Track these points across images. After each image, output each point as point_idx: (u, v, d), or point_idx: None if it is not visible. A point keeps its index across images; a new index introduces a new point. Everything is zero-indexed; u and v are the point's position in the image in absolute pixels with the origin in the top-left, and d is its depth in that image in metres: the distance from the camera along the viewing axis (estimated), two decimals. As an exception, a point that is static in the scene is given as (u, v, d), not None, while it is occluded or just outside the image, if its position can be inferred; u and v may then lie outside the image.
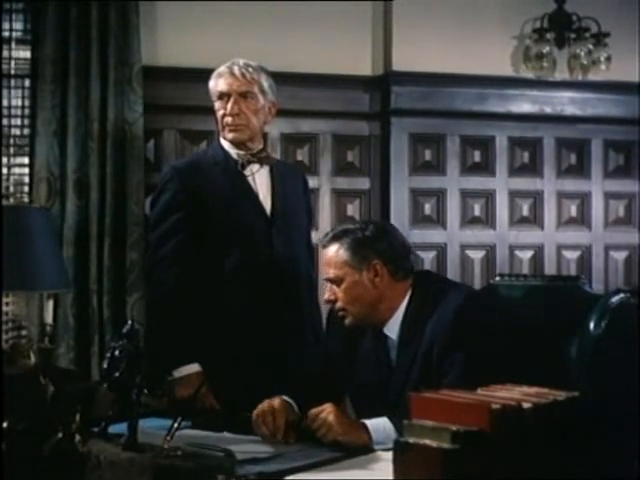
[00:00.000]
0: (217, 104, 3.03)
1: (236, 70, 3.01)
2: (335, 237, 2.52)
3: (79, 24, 3.81)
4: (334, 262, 2.49)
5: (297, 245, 3.09)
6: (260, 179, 3.05)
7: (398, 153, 4.34)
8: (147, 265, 3.21)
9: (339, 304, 2.51)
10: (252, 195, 3.01)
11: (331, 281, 2.51)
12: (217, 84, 3.02)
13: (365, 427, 2.30)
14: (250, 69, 3.02)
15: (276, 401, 2.42)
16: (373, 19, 4.34)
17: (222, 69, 3.04)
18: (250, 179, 3.03)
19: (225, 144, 3.07)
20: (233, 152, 3.04)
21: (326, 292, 2.55)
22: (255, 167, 3.04)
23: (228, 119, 3.00)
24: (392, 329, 2.51)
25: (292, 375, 2.75)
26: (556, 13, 4.41)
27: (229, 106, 2.99)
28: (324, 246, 2.55)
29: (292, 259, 3.04)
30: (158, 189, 3.07)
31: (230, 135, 3.02)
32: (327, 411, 2.30)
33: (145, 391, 2.15)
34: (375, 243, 2.51)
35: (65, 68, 3.82)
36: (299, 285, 3.07)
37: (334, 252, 2.49)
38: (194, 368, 2.85)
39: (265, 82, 3.04)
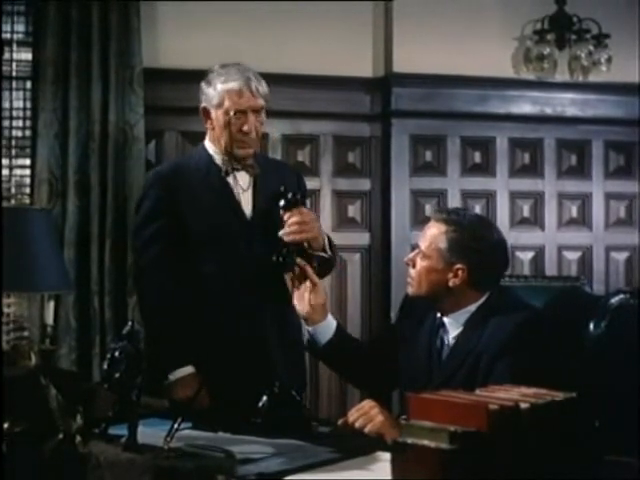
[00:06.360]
0: (225, 116, 2.94)
1: (253, 87, 2.93)
2: (445, 218, 2.58)
3: (80, 26, 3.82)
4: (430, 240, 2.56)
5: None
6: (243, 185, 3.01)
7: (399, 154, 4.34)
8: (133, 272, 3.22)
9: (412, 272, 2.59)
10: (233, 201, 2.98)
11: (420, 250, 2.58)
12: (234, 101, 2.92)
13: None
14: (262, 83, 2.96)
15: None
16: (374, 20, 4.35)
17: (236, 85, 2.92)
18: (233, 185, 3.00)
19: (211, 149, 3.03)
20: (218, 158, 3.02)
21: (412, 254, 2.62)
22: (238, 174, 3.02)
23: (242, 136, 2.93)
24: (455, 322, 2.56)
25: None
26: (557, 14, 4.41)
27: (246, 126, 2.92)
28: (434, 219, 2.61)
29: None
30: (141, 194, 3.07)
31: (241, 152, 2.96)
32: (369, 405, 2.37)
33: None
34: (470, 249, 2.54)
35: (66, 70, 3.82)
36: (283, 286, 3.03)
37: (437, 232, 2.55)
38: (188, 370, 2.86)
39: (268, 92, 3.02)
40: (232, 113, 2.93)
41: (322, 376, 4.16)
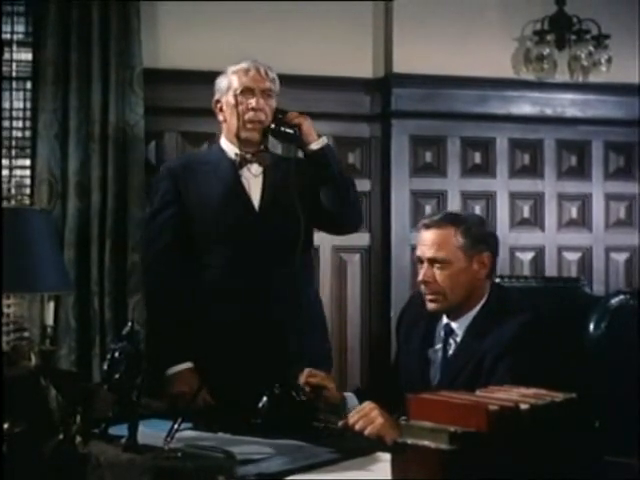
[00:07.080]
0: (234, 99, 2.99)
1: (261, 68, 3.02)
2: (449, 220, 2.53)
3: (80, 26, 3.82)
4: (446, 245, 2.49)
5: (290, 240, 2.99)
6: (255, 176, 3.02)
7: (399, 155, 4.34)
8: (142, 265, 3.24)
9: (436, 287, 2.51)
10: (243, 193, 3.00)
11: (434, 262, 2.51)
12: (242, 79, 3.00)
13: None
14: (272, 71, 3.05)
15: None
16: (374, 20, 4.35)
17: (245, 65, 3.02)
18: (243, 178, 3.02)
19: (224, 144, 3.06)
20: (231, 152, 3.04)
21: (421, 273, 2.54)
22: (250, 166, 3.03)
23: (251, 114, 2.97)
24: (461, 324, 2.54)
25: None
26: (557, 15, 4.41)
27: (254, 101, 2.97)
28: (429, 226, 2.54)
29: (283, 255, 3.00)
30: (153, 189, 3.13)
31: (250, 134, 2.99)
32: (369, 407, 2.34)
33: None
34: (489, 236, 2.57)
35: (66, 70, 3.82)
36: (291, 280, 3.01)
37: (446, 235, 2.50)
38: (185, 365, 2.88)
39: (277, 80, 3.07)
40: (239, 91, 2.99)
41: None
